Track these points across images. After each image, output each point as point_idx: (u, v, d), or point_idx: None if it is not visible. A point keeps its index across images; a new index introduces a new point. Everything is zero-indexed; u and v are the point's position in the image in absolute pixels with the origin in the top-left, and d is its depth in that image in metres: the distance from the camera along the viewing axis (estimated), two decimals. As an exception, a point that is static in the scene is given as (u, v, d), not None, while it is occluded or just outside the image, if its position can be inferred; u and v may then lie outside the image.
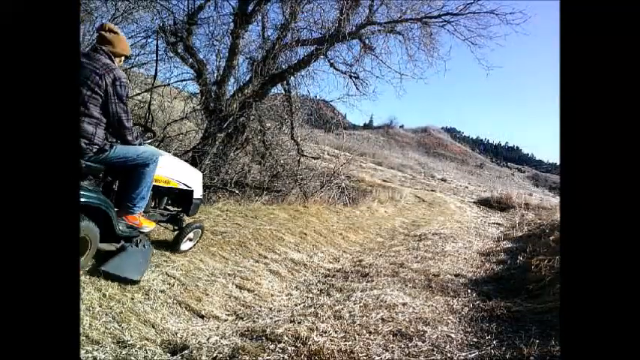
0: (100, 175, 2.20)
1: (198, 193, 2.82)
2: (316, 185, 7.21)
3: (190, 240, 2.87)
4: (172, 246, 2.75)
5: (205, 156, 5.42)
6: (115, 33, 2.15)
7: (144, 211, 2.37)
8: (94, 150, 2.01)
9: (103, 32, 2.12)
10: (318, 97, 8.02)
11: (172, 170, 2.59)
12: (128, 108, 2.12)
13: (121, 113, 2.06)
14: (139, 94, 6.54)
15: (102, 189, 2.22)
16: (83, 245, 1.97)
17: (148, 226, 2.37)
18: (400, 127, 61.43)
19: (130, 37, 6.31)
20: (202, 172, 5.38)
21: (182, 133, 6.26)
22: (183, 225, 2.78)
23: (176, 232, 2.78)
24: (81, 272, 1.94)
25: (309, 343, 1.68)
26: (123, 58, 2.23)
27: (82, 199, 1.87)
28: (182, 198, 2.80)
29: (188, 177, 2.73)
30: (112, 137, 2.16)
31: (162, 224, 2.79)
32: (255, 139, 6.56)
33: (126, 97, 2.09)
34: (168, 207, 2.82)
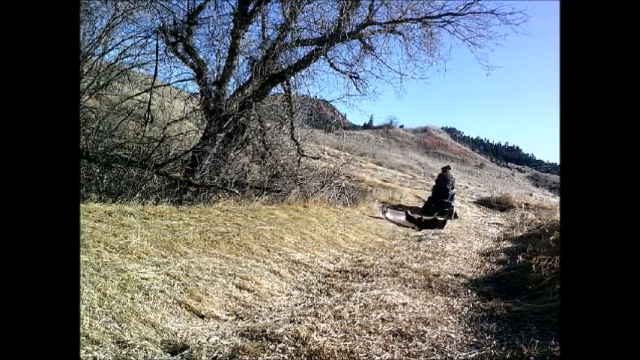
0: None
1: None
2: (316, 185, 7.19)
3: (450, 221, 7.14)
4: (443, 224, 6.63)
5: (205, 156, 5.42)
6: (449, 168, 8.89)
7: None
8: (448, 197, 8.11)
9: (448, 169, 8.74)
10: (318, 97, 8.06)
11: (455, 202, 8.30)
12: (455, 189, 8.63)
13: (454, 191, 8.49)
14: (139, 94, 6.53)
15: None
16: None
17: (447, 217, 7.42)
18: (400, 127, 61.17)
19: (129, 37, 6.32)
20: (202, 172, 5.42)
21: (182, 133, 6.25)
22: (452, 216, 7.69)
23: (445, 219, 6.98)
24: (83, 271, 1.94)
25: (309, 343, 1.68)
26: (450, 172, 8.70)
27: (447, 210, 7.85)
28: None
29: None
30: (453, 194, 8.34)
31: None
32: (255, 139, 6.55)
33: (454, 186, 8.65)
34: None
